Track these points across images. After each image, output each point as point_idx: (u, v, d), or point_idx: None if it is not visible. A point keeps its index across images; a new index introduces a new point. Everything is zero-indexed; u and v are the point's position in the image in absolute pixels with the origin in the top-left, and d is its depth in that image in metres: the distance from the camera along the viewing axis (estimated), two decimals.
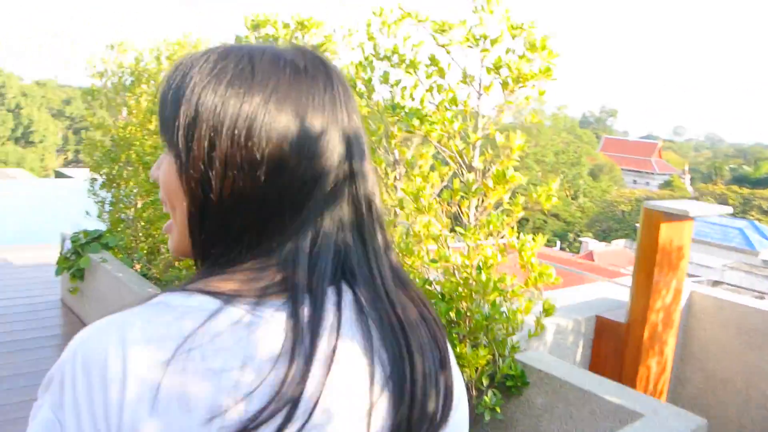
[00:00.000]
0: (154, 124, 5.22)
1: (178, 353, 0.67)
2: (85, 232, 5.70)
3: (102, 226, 5.93)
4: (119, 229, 5.66)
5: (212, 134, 0.74)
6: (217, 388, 0.67)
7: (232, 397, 0.67)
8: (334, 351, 0.72)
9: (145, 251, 5.29)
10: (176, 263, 4.65)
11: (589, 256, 23.26)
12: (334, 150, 0.77)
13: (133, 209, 5.49)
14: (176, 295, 0.73)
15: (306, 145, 0.75)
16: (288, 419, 0.68)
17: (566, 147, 50.70)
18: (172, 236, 0.83)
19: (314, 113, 0.77)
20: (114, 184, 5.72)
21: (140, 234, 5.38)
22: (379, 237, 0.82)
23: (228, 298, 0.71)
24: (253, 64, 0.77)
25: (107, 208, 5.84)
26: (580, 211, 46.78)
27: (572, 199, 47.71)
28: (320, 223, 0.77)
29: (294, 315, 0.71)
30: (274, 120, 0.74)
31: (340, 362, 0.72)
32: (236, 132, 0.73)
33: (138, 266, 5.44)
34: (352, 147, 0.80)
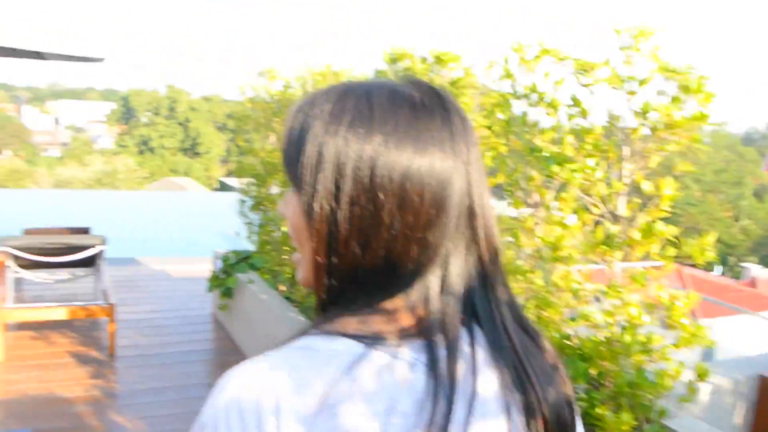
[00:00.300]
0: None
1: (329, 401, 0.69)
2: (235, 252, 5.96)
3: (251, 247, 6.16)
4: (266, 250, 5.85)
5: (337, 176, 0.75)
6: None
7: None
8: (474, 393, 0.74)
9: (288, 274, 5.42)
10: None
11: (752, 283, 21.42)
12: (454, 185, 0.77)
13: (278, 232, 5.65)
14: (319, 339, 0.75)
15: (427, 182, 0.76)
16: None
17: (727, 165, 47.38)
18: (301, 269, 0.84)
19: (434, 149, 0.76)
20: (261, 207, 5.93)
21: (284, 257, 5.53)
22: (499, 274, 0.82)
23: (370, 342, 0.73)
24: (372, 103, 0.77)
25: (255, 229, 6.06)
26: (743, 234, 43.45)
27: (734, 220, 44.44)
28: (447, 261, 0.78)
29: (433, 359, 0.73)
30: (395, 159, 0.75)
31: (480, 403, 0.74)
32: (360, 173, 0.74)
33: (282, 288, 5.60)
34: (471, 181, 0.79)
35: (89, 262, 5.60)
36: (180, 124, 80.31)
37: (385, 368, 0.72)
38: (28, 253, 5.18)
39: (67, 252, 5.29)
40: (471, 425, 0.72)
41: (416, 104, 0.78)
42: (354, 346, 0.73)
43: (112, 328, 5.15)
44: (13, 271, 5.41)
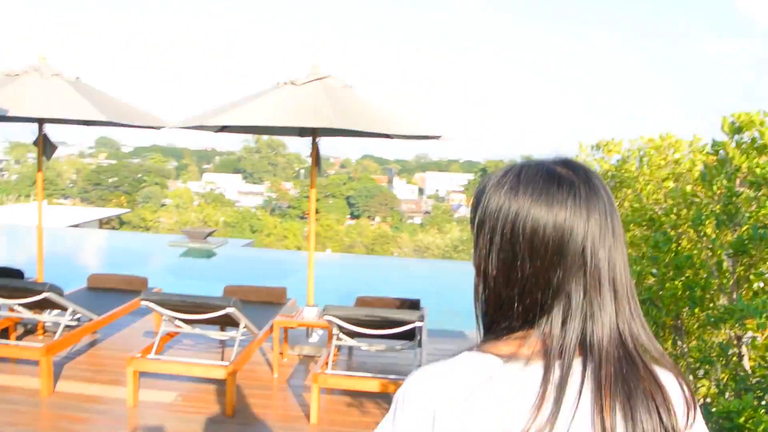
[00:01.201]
0: (632, 233, 4.72)
1: (471, 397, 0.99)
2: None
3: None
4: None
5: (491, 231, 1.08)
6: (499, 428, 0.97)
7: None
8: (574, 413, 0.96)
9: None
10: None
11: None
12: (572, 239, 1.02)
13: None
14: (474, 355, 1.05)
15: (552, 234, 1.02)
16: None
17: None
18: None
19: (558, 210, 1.03)
20: None
21: None
22: (610, 310, 1.03)
23: (507, 359, 1.02)
24: (520, 175, 1.08)
25: None
26: None
27: None
28: (566, 299, 1.03)
29: (545, 379, 0.98)
30: (529, 217, 1.04)
31: (578, 421, 0.96)
32: (505, 228, 1.06)
33: None
34: (588, 239, 1.02)
35: (410, 336, 5.58)
36: None
37: (514, 380, 0.99)
38: (350, 323, 5.33)
39: (387, 326, 5.32)
40: None
41: (554, 176, 1.06)
42: (495, 361, 1.02)
43: None
44: (336, 338, 5.62)
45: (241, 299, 7.37)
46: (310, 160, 7.24)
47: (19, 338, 6.95)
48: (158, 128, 7.99)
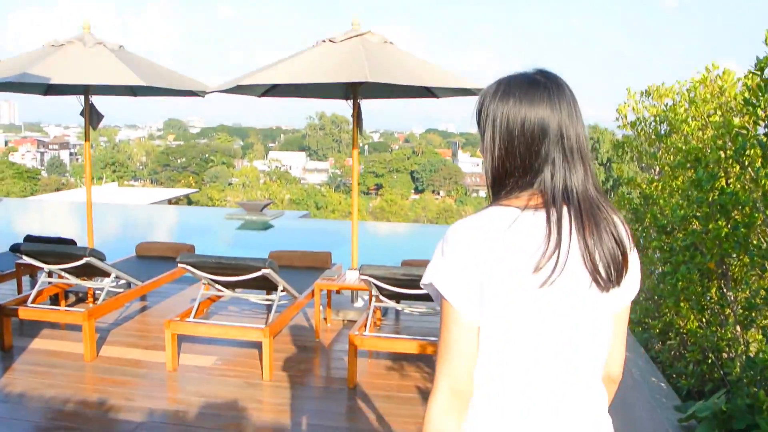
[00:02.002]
0: (680, 180, 4.39)
1: (505, 234, 1.40)
2: None
3: None
4: (636, 300, 4.95)
5: (493, 127, 1.51)
6: (527, 254, 1.39)
7: (534, 258, 1.38)
8: (569, 239, 1.42)
9: (657, 330, 4.42)
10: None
11: None
12: (551, 125, 1.47)
13: (653, 277, 4.71)
14: (497, 208, 1.46)
15: (537, 123, 1.47)
16: (554, 268, 1.38)
17: None
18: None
19: (539, 107, 1.48)
20: (638, 246, 5.05)
21: (653, 308, 4.56)
22: (580, 170, 1.49)
23: (523, 208, 1.44)
24: (510, 85, 1.53)
25: None
26: None
27: None
28: (552, 165, 1.47)
29: (548, 219, 1.42)
30: (519, 114, 1.48)
31: (572, 244, 1.41)
32: (503, 123, 1.49)
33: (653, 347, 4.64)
34: (562, 124, 1.47)
35: None
36: (601, 164, 79.70)
37: (530, 222, 1.42)
38: (386, 283, 5.16)
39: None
40: (569, 254, 1.40)
41: (537, 83, 1.50)
42: (515, 211, 1.44)
43: None
44: (376, 299, 5.47)
45: (285, 264, 7.32)
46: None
47: (70, 306, 7.07)
48: (201, 94, 7.96)
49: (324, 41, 6.69)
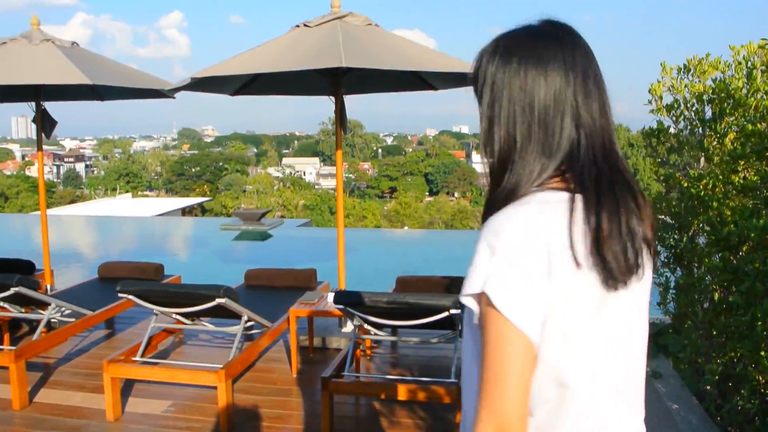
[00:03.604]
0: (741, 176, 3.34)
1: (571, 228, 1.14)
2: None
3: (663, 318, 4.24)
4: (687, 327, 3.89)
5: (492, 90, 1.25)
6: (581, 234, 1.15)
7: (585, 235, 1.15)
8: (610, 215, 1.16)
9: (716, 374, 3.31)
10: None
11: None
12: (565, 90, 1.21)
13: (707, 303, 3.66)
14: (545, 193, 1.20)
15: (544, 90, 1.21)
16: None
17: None
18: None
19: (548, 66, 1.21)
20: (683, 262, 3.98)
21: (713, 344, 3.48)
22: (606, 148, 1.23)
23: (572, 191, 1.18)
24: (512, 46, 1.25)
25: (671, 294, 4.12)
26: None
27: None
28: (579, 139, 1.22)
29: (584, 200, 1.17)
30: (520, 78, 1.22)
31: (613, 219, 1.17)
32: (500, 88, 1.24)
33: (707, 390, 3.56)
34: (575, 83, 1.21)
35: (449, 324, 4.36)
36: None
37: (583, 205, 1.16)
38: (366, 313, 4.15)
39: (415, 314, 4.12)
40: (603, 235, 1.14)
41: (543, 33, 1.25)
42: (565, 194, 1.19)
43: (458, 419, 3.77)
44: (357, 330, 4.46)
45: (264, 285, 6.34)
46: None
47: (17, 339, 6.12)
48: (170, 95, 6.99)
49: (298, 26, 5.71)
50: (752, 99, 3.25)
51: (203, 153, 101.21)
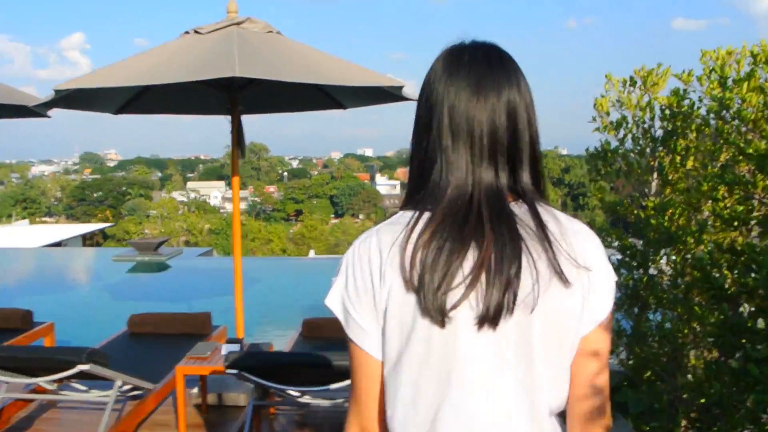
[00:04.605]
0: (709, 204, 2.70)
1: (400, 236, 1.13)
2: None
3: (616, 368, 3.57)
4: (647, 379, 3.22)
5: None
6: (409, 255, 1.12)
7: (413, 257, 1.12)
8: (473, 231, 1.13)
9: None
10: None
11: None
12: (475, 120, 1.15)
13: (666, 345, 2.99)
14: (402, 213, 1.19)
15: (454, 114, 1.16)
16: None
17: None
18: None
19: (463, 93, 1.15)
20: (638, 300, 3.32)
21: (700, 414, 2.79)
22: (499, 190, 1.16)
23: (419, 210, 1.15)
24: (438, 61, 1.21)
25: (625, 339, 3.44)
26: None
27: None
28: (472, 172, 1.17)
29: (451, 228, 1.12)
30: (444, 102, 1.16)
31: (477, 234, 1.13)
32: (422, 109, 1.21)
33: None
34: (496, 118, 1.14)
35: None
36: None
37: (420, 220, 1.13)
38: (268, 379, 3.26)
39: (323, 378, 3.26)
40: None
41: (461, 59, 1.18)
42: (411, 213, 1.15)
43: None
44: (255, 395, 3.55)
45: (150, 332, 5.32)
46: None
47: None
48: (38, 111, 5.89)
49: (188, 32, 4.79)
50: (747, 113, 2.64)
51: (106, 177, 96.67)
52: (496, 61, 1.17)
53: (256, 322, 7.71)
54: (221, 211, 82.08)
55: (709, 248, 2.50)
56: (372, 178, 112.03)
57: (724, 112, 2.72)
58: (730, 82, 2.70)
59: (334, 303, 1.19)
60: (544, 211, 1.14)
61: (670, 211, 2.85)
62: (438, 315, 1.06)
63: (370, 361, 1.16)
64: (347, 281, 1.16)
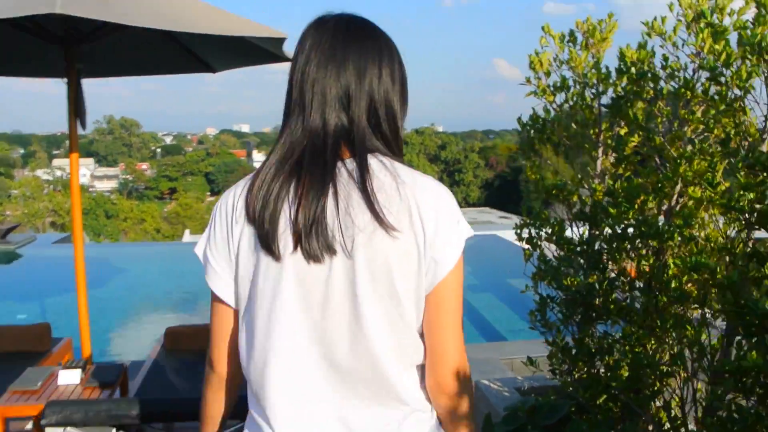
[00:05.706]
0: (696, 190, 2.00)
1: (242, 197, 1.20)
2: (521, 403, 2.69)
3: (549, 381, 2.87)
4: (588, 394, 2.53)
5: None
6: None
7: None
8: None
9: None
10: None
11: None
12: (319, 82, 1.19)
13: (620, 349, 2.32)
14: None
15: (301, 74, 1.21)
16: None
17: None
18: None
19: (313, 57, 1.20)
20: (567, 297, 2.62)
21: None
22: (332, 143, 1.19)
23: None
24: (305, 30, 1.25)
25: (560, 345, 2.75)
26: None
27: None
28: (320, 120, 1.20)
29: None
30: (299, 67, 1.22)
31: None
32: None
33: None
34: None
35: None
36: None
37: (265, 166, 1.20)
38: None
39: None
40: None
41: (326, 26, 1.21)
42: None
43: None
44: None
45: None
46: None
47: None
48: None
49: None
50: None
51: None
52: (357, 30, 1.21)
53: (106, 331, 6.38)
54: (90, 189, 77.03)
55: (719, 252, 1.82)
56: (249, 155, 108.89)
57: (724, 70, 2.02)
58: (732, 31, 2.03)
59: (199, 251, 1.26)
60: (380, 164, 1.15)
61: (642, 197, 2.15)
62: (274, 247, 1.13)
63: (221, 305, 1.25)
64: (210, 231, 1.23)
